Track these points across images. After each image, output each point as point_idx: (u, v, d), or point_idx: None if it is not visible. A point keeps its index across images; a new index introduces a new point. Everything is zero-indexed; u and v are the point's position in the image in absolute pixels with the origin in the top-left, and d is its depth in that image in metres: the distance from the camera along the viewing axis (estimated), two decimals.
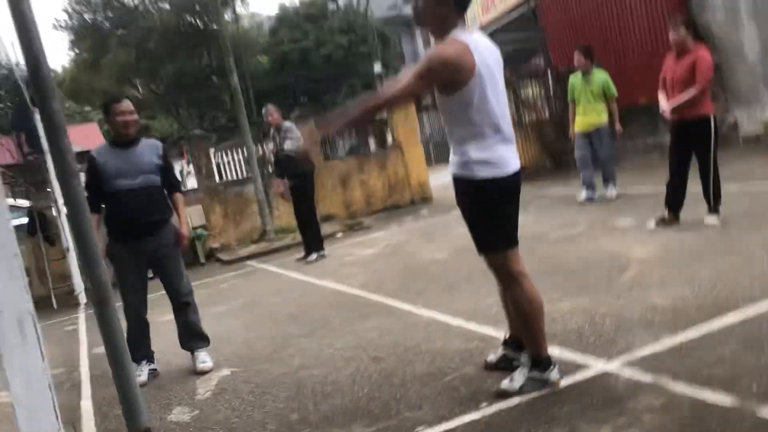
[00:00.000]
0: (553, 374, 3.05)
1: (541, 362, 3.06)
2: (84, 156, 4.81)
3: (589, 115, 8.30)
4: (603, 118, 8.29)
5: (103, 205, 4.52)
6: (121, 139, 4.56)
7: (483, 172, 2.94)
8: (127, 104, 4.56)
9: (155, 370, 4.66)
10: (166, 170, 4.68)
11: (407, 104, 2.70)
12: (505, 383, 3.10)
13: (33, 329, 1.74)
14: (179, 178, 4.65)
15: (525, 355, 3.13)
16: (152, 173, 4.58)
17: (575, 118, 8.48)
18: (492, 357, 3.46)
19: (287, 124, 8.42)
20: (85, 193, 3.08)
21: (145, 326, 4.65)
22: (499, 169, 2.96)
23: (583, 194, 8.56)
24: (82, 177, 3.29)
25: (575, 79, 8.46)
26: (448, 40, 2.90)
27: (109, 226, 4.57)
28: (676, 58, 5.81)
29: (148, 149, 4.62)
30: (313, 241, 8.58)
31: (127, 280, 4.56)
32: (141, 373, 4.49)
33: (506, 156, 3.00)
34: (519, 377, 3.08)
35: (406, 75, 2.90)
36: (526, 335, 3.12)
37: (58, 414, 1.71)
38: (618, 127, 8.40)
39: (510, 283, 3.08)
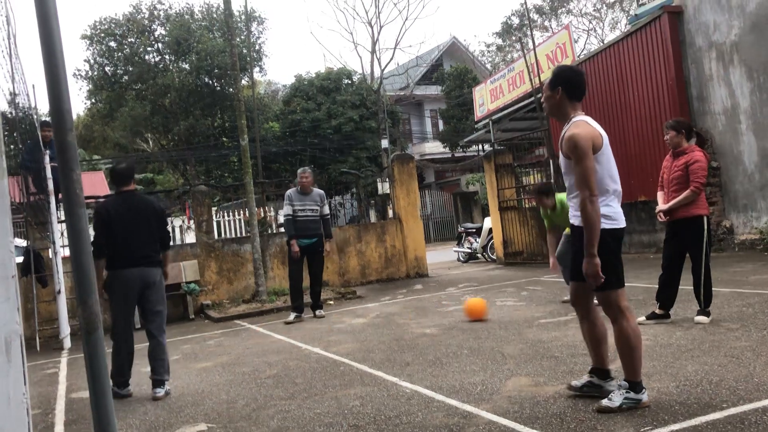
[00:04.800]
0: (645, 396, 3.66)
1: (638, 385, 3.66)
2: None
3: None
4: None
5: None
6: None
7: (605, 225, 3.64)
8: None
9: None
10: None
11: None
12: (606, 402, 3.65)
13: (19, 351, 1.76)
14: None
15: (621, 380, 3.72)
16: None
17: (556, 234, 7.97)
18: (576, 383, 4.02)
19: (318, 189, 9.18)
20: None
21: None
22: (617, 222, 3.72)
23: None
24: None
25: (546, 215, 7.96)
26: (579, 122, 3.74)
27: None
28: (672, 158, 5.99)
29: None
30: (319, 299, 9.21)
31: None
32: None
33: (620, 211, 3.77)
34: (617, 398, 3.64)
35: (578, 168, 3.66)
36: (628, 362, 3.67)
37: None
38: None
39: (619, 317, 3.69)
